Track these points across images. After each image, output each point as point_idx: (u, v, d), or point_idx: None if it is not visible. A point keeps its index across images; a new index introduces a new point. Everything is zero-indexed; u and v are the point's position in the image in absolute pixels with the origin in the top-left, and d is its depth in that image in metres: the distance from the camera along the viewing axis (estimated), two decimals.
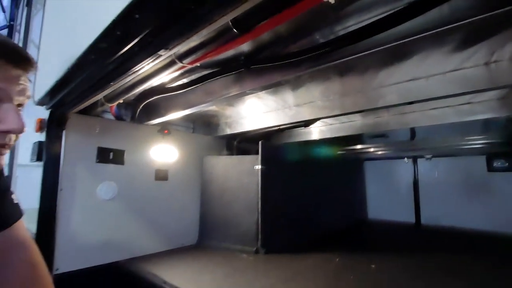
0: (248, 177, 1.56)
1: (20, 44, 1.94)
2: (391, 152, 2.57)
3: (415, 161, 2.79)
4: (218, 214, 1.63)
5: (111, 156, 1.28)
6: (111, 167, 1.28)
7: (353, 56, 0.79)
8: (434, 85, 1.01)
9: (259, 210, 1.49)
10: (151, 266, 1.25)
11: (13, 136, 0.46)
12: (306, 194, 1.93)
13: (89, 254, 1.19)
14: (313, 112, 1.29)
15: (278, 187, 1.63)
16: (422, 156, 2.71)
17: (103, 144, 1.26)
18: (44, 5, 1.12)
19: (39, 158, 1.07)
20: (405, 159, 2.79)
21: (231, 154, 1.93)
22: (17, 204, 0.61)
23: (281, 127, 1.55)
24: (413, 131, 1.94)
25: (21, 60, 0.45)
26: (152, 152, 1.45)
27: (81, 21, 0.71)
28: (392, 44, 0.73)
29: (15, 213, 0.64)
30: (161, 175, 1.49)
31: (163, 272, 1.17)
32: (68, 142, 1.12)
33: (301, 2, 0.55)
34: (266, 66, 0.85)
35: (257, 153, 1.77)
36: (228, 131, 1.68)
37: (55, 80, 0.81)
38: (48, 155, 1.06)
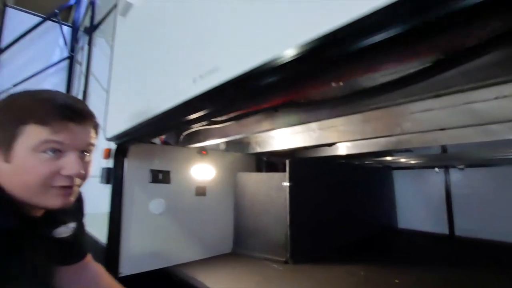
0: (276, 193, 1.71)
1: (83, 76, 2.29)
2: (421, 163, 2.57)
3: (446, 171, 2.75)
4: (250, 226, 1.81)
5: (160, 177, 1.50)
6: (160, 186, 1.51)
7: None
8: (448, 116, 1.09)
9: (288, 223, 1.63)
10: (194, 272, 1.45)
11: (77, 180, 0.63)
12: (333, 205, 2.03)
13: (143, 260, 1.42)
14: (335, 136, 1.41)
15: (305, 201, 1.75)
16: (454, 166, 2.67)
17: (154, 167, 1.49)
18: (112, 56, 1.37)
19: (108, 181, 1.33)
20: (436, 169, 2.76)
21: (260, 168, 2.10)
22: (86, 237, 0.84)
23: (306, 146, 1.68)
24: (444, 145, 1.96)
25: (82, 118, 0.61)
26: (192, 171, 1.66)
27: (151, 83, 0.92)
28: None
29: (85, 245, 0.88)
30: (200, 191, 1.70)
31: (205, 278, 1.36)
32: (128, 167, 1.36)
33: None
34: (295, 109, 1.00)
35: (284, 168, 1.92)
36: (258, 150, 1.83)
37: (124, 128, 1.04)
38: (115, 179, 1.31)
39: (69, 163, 0.59)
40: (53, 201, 0.59)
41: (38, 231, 0.67)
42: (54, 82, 3.13)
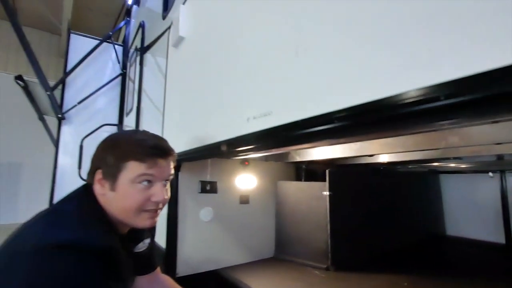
0: (317, 201, 1.77)
1: (135, 93, 2.55)
2: (473, 167, 2.42)
3: (503, 175, 2.55)
4: (291, 232, 1.88)
5: (208, 187, 1.65)
6: (208, 196, 1.65)
7: None
8: (497, 131, 1.06)
9: (329, 231, 1.68)
10: (240, 275, 1.57)
11: (160, 204, 0.77)
12: (375, 211, 2.02)
13: (196, 263, 1.57)
14: (376, 148, 1.43)
15: (346, 209, 1.78)
16: (511, 170, 2.47)
17: (202, 178, 1.64)
18: (165, 82, 1.54)
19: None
20: (490, 173, 2.57)
21: (300, 175, 2.16)
22: (156, 250, 0.98)
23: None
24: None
25: (167, 155, 0.76)
26: (236, 181, 1.78)
27: (206, 115, 1.05)
28: None
29: (156, 258, 1.03)
30: (244, 200, 1.82)
31: (251, 282, 1.48)
32: (181, 181, 1.53)
33: None
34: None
35: (323, 176, 1.96)
36: (298, 159, 1.90)
37: (179, 150, 1.19)
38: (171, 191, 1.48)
39: (158, 191, 0.74)
40: (144, 222, 0.75)
41: (125, 247, 0.82)
42: (110, 97, 3.50)
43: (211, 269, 1.63)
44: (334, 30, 0.54)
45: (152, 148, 0.75)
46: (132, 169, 0.72)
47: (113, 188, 0.72)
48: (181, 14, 1.31)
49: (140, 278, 0.95)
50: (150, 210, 0.74)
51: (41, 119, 4.62)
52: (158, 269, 1.02)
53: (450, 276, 1.62)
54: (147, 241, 0.91)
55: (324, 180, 1.84)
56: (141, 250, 0.89)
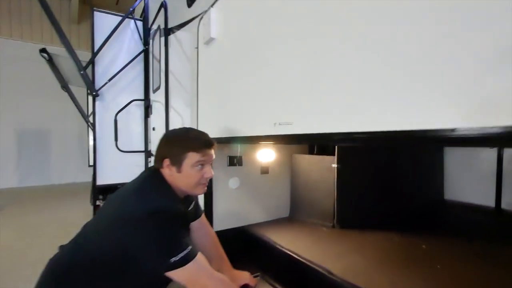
0: (326, 172, 2.08)
1: (163, 74, 2.79)
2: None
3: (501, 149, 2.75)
4: (304, 197, 2.24)
5: (235, 161, 1.98)
6: (235, 168, 1.99)
7: None
8: None
9: (335, 196, 2.02)
10: (262, 231, 1.96)
11: (209, 179, 1.16)
12: (379, 179, 2.32)
13: (227, 220, 1.97)
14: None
15: (351, 178, 2.09)
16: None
17: (230, 154, 1.97)
18: (197, 71, 1.79)
19: None
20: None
21: (313, 150, 2.45)
22: (200, 206, 1.36)
23: None
24: None
25: (212, 146, 1.14)
26: (258, 155, 2.10)
27: (238, 111, 1.33)
28: None
29: (201, 210, 1.41)
30: (264, 170, 2.16)
31: (271, 235, 1.86)
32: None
33: None
34: None
35: (333, 150, 2.25)
36: None
37: (213, 136, 1.50)
38: None
39: (208, 171, 1.13)
40: (199, 191, 1.15)
41: (184, 208, 1.18)
42: (134, 72, 3.76)
43: (239, 225, 2.03)
44: (343, 73, 0.79)
45: (203, 142, 1.12)
46: (191, 157, 1.08)
47: (179, 171, 1.09)
48: (212, 16, 1.52)
49: (193, 223, 1.37)
50: (203, 183, 1.13)
51: (64, 88, 4.95)
52: (204, 218, 1.45)
53: (436, 231, 1.96)
54: (193, 202, 1.32)
55: (334, 154, 2.13)
56: (191, 208, 1.29)
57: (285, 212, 2.31)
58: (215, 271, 1.01)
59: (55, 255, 1.09)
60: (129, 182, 1.16)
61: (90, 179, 9.65)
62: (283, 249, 1.65)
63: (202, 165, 1.10)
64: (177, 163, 1.08)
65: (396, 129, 0.63)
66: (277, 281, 1.55)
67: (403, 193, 2.63)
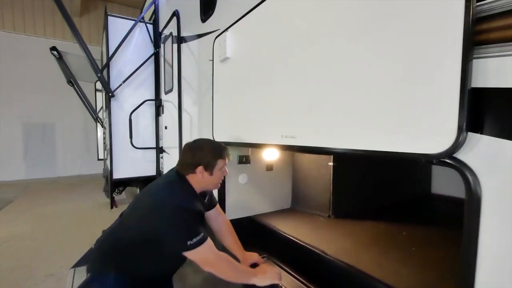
0: (324, 169, 2.38)
1: (175, 79, 3.06)
2: None
3: None
4: (303, 190, 2.54)
5: (244, 160, 2.27)
6: (244, 165, 2.28)
7: None
8: None
9: (331, 190, 2.32)
10: (268, 219, 2.27)
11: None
12: (371, 175, 2.63)
13: (238, 211, 2.28)
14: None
15: (346, 174, 2.39)
16: None
17: (240, 153, 2.26)
18: (213, 81, 2.07)
19: None
20: None
21: None
22: (214, 197, 1.65)
23: None
24: None
25: (227, 155, 1.46)
26: (264, 154, 2.40)
27: (251, 120, 1.62)
28: None
29: (215, 200, 1.71)
30: (269, 168, 2.45)
31: (275, 223, 2.17)
32: None
33: None
34: None
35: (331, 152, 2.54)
36: None
37: (226, 140, 1.80)
38: None
39: (226, 171, 1.45)
40: (218, 186, 1.49)
41: (201, 203, 1.47)
42: (145, 74, 4.01)
43: (248, 215, 2.34)
44: (336, 101, 1.07)
45: (226, 151, 1.45)
46: (220, 163, 1.41)
47: (211, 174, 1.40)
48: (228, 38, 1.78)
49: (210, 212, 1.66)
50: (222, 181, 1.47)
51: (70, 83, 5.16)
52: (219, 209, 1.76)
53: (418, 221, 2.27)
54: (208, 195, 1.61)
55: (330, 154, 2.42)
56: (206, 200, 1.59)
57: (287, 204, 2.62)
58: (220, 252, 1.28)
59: (101, 237, 1.44)
60: (160, 180, 1.45)
61: (95, 171, 9.94)
62: (286, 235, 1.96)
63: (224, 167, 1.44)
64: (210, 169, 1.38)
65: (371, 149, 0.91)
66: (281, 261, 1.86)
67: (393, 188, 2.94)
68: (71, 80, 5.02)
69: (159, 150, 3.87)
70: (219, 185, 1.48)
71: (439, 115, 0.74)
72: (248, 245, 2.11)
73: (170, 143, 3.41)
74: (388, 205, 2.76)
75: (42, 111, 9.83)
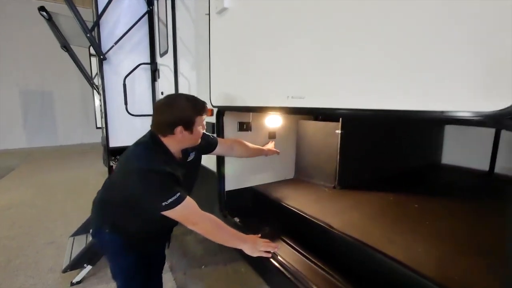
0: (330, 138, 2.21)
1: (170, 38, 2.79)
2: None
3: None
4: (308, 160, 2.40)
5: (244, 127, 2.10)
6: (245, 133, 2.12)
7: None
8: None
9: (337, 160, 2.17)
10: (269, 190, 2.15)
11: None
12: (378, 144, 2.47)
13: (238, 181, 2.16)
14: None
15: (353, 143, 2.23)
16: None
17: (240, 120, 2.08)
18: (209, 40, 1.83)
19: (213, 132, 1.97)
20: None
21: (318, 116, 2.55)
22: (213, 136, 1.62)
23: None
24: None
25: (206, 110, 1.33)
26: (266, 120, 2.22)
27: (251, 81, 1.42)
28: None
29: (215, 139, 1.64)
30: (272, 135, 2.29)
31: (278, 194, 2.06)
32: (225, 123, 1.97)
33: None
34: None
35: (337, 117, 2.36)
36: None
37: (225, 104, 1.61)
38: (217, 130, 1.95)
39: (205, 126, 1.36)
40: (198, 142, 1.37)
41: (182, 163, 1.37)
42: (138, 35, 3.70)
43: (248, 186, 2.22)
44: (351, 55, 0.87)
45: (203, 106, 1.31)
46: (199, 120, 1.29)
47: (191, 132, 1.28)
48: None
49: (218, 150, 1.66)
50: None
51: (65, 48, 4.87)
52: (219, 140, 1.68)
53: (429, 193, 2.14)
54: (192, 153, 1.46)
55: (337, 121, 2.24)
56: (192, 158, 1.46)
57: (290, 174, 2.49)
58: (204, 212, 1.26)
59: (95, 197, 1.45)
60: (134, 145, 1.32)
61: (97, 140, 9.88)
62: (288, 206, 1.85)
63: (203, 122, 1.35)
64: (189, 127, 1.26)
65: (395, 108, 0.73)
66: (283, 234, 1.76)
67: (402, 157, 2.79)
68: (65, 46, 4.73)
69: None
70: (200, 140, 1.38)
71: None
72: (249, 216, 2.02)
73: None
74: (397, 175, 2.64)
75: (40, 78, 9.55)
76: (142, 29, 3.71)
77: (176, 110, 1.23)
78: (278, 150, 2.02)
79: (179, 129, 1.23)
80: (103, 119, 3.56)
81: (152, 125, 1.30)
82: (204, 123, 1.37)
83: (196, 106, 1.27)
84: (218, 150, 1.65)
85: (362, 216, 1.68)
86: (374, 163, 2.47)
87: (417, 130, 2.95)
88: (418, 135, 2.96)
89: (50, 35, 5.27)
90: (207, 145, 1.61)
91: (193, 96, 1.32)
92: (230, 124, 2.04)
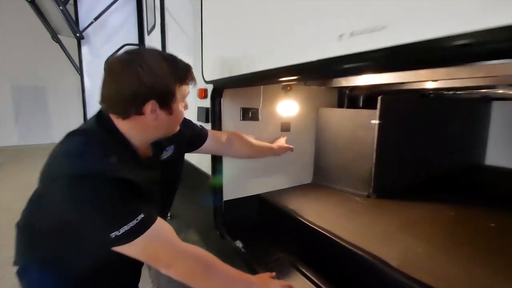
0: (363, 130, 1.66)
1: (157, 11, 2.25)
2: None
3: None
4: (331, 160, 1.85)
5: (250, 115, 1.56)
6: (250, 123, 1.57)
7: None
8: None
9: (374, 160, 1.62)
10: (282, 199, 1.61)
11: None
12: (421, 140, 1.92)
13: (239, 188, 1.61)
14: (428, 74, 1.23)
15: (393, 138, 1.68)
16: None
17: (244, 105, 1.54)
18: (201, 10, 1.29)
19: (207, 120, 1.43)
20: None
21: (342, 102, 2.01)
22: (201, 127, 1.16)
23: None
24: None
25: (192, 79, 0.81)
26: (278, 108, 1.67)
27: (255, 35, 0.87)
28: None
29: (205, 131, 1.17)
30: (285, 127, 1.74)
31: (294, 205, 1.51)
32: (224, 109, 1.43)
33: None
34: None
35: (366, 103, 1.81)
36: (344, 84, 1.71)
37: (222, 76, 1.07)
38: (213, 117, 1.41)
39: (187, 105, 0.86)
40: (176, 130, 0.87)
41: (154, 163, 0.89)
42: (125, 13, 3.18)
43: (253, 193, 1.68)
44: None
45: (188, 70, 0.79)
46: (181, 91, 0.78)
47: (170, 113, 0.77)
48: None
49: (204, 147, 1.16)
50: None
51: (55, 39, 4.41)
52: (210, 133, 1.19)
53: (492, 204, 1.59)
54: (169, 148, 0.96)
55: (367, 107, 1.69)
56: (170, 155, 0.96)
57: (307, 178, 1.94)
58: (184, 245, 0.77)
59: (19, 219, 0.91)
60: (66, 135, 0.78)
61: None
62: (309, 224, 1.31)
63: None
64: (166, 104, 0.75)
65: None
66: (301, 263, 1.22)
67: (443, 156, 2.24)
68: (55, 37, 4.28)
69: None
70: (179, 127, 0.87)
71: None
72: (254, 233, 1.49)
73: None
74: (440, 177, 2.09)
75: (32, 73, 9.06)
76: (129, 6, 3.18)
77: (146, 74, 0.69)
78: (291, 146, 1.59)
79: (149, 106, 0.72)
80: (82, 107, 3.06)
81: (100, 101, 0.77)
82: (187, 100, 0.84)
83: (177, 68, 0.76)
84: (209, 146, 1.18)
85: (424, 243, 1.14)
86: (417, 164, 1.92)
87: (463, 124, 2.38)
88: (462, 132, 2.40)
89: (42, 27, 4.80)
90: (194, 138, 1.10)
91: (171, 55, 0.78)
92: (230, 110, 1.49)
